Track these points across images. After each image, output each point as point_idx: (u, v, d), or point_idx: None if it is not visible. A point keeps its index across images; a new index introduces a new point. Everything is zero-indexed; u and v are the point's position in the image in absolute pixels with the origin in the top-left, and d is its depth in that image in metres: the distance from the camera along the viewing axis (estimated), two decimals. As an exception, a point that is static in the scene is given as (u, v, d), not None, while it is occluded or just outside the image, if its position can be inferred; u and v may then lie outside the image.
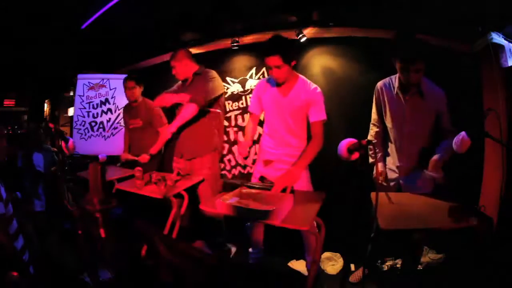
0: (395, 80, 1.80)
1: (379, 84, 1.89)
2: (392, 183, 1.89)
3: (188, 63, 2.27)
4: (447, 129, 1.71)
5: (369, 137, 1.96)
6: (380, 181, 1.86)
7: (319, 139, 1.74)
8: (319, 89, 1.81)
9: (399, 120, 1.80)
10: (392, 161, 1.90)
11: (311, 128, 1.80)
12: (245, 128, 2.10)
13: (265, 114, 1.97)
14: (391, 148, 1.90)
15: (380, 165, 1.90)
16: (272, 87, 1.87)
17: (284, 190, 1.50)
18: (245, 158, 1.90)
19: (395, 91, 1.78)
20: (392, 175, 1.89)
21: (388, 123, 1.87)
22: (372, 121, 1.97)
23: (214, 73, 2.25)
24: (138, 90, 2.76)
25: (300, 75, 1.87)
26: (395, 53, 1.72)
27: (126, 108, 2.94)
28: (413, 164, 1.81)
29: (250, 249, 2.08)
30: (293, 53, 1.74)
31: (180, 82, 2.37)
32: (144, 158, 2.62)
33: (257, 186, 1.58)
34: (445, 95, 1.72)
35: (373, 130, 1.96)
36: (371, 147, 1.85)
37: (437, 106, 1.71)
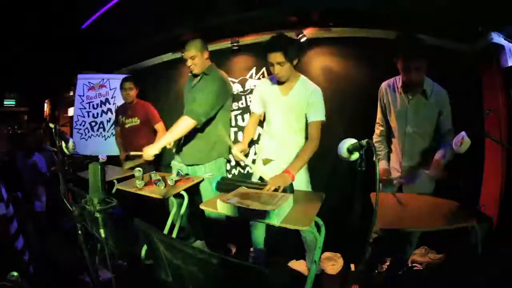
0: (399, 80, 1.81)
1: (383, 84, 1.90)
2: (394, 182, 1.89)
3: (206, 55, 2.06)
4: (447, 129, 1.71)
5: (374, 136, 1.98)
6: (383, 179, 1.86)
7: (315, 140, 1.74)
8: (319, 89, 1.81)
9: (402, 119, 1.81)
10: (395, 160, 1.90)
11: (308, 128, 1.81)
12: (244, 130, 2.09)
13: (266, 113, 1.97)
14: (395, 147, 1.90)
15: (382, 162, 1.91)
16: (274, 86, 1.88)
17: (276, 191, 1.50)
18: (237, 161, 1.87)
19: (399, 90, 1.79)
20: (395, 173, 1.89)
21: (392, 123, 1.87)
22: (377, 121, 1.98)
23: (221, 76, 2.05)
24: (135, 92, 2.81)
25: (302, 75, 1.87)
26: (397, 51, 1.73)
27: (121, 108, 2.94)
28: (416, 164, 1.81)
29: (251, 249, 2.07)
30: (295, 52, 1.74)
31: (186, 84, 2.22)
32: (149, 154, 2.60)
33: (256, 186, 1.58)
34: (448, 96, 1.72)
35: (378, 130, 1.98)
36: (377, 146, 1.87)
37: (440, 106, 1.71)
